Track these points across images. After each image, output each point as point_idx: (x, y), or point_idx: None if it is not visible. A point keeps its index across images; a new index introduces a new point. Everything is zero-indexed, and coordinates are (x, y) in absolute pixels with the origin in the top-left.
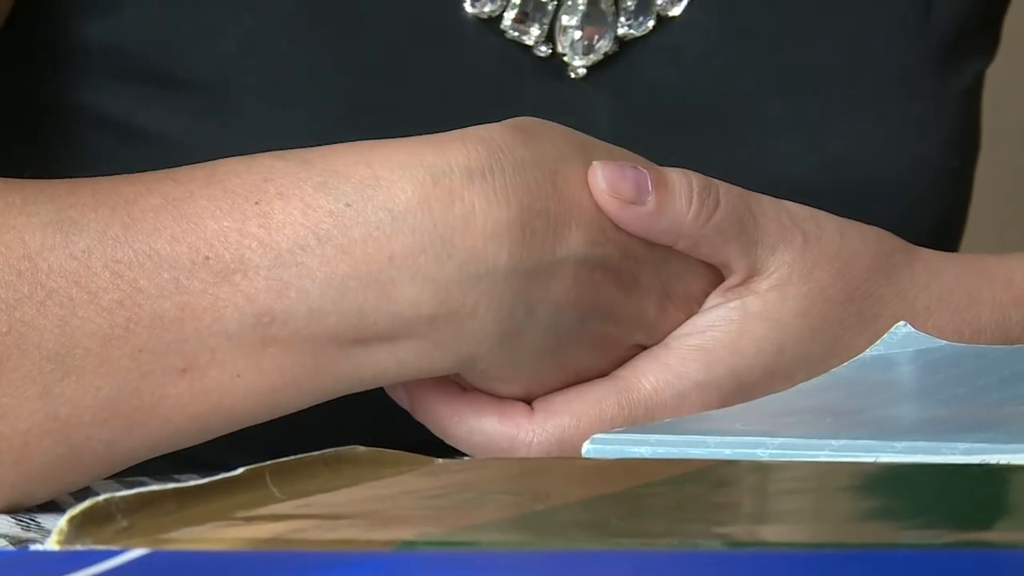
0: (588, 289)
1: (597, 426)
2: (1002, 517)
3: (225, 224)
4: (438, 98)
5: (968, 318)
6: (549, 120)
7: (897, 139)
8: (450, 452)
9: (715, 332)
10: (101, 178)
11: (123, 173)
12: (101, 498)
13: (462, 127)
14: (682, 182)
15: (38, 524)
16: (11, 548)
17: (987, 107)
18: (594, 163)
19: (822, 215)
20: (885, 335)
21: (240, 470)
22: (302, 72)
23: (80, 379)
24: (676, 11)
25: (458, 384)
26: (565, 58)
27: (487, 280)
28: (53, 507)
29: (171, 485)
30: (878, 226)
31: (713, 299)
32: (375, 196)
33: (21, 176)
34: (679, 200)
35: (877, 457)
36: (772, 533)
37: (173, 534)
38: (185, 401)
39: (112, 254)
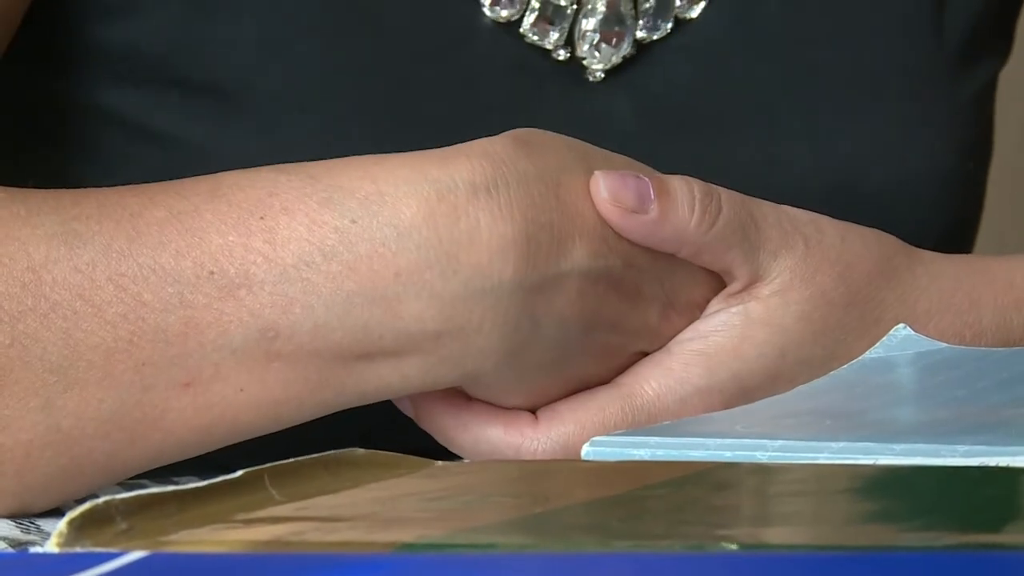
0: (592, 301)
1: (601, 433)
2: (1002, 519)
3: (230, 239)
4: (456, 102)
5: (969, 320)
6: (567, 125)
7: (911, 142)
8: (450, 457)
9: (717, 337)
10: (106, 189)
11: (137, 175)
12: (100, 500)
13: (478, 132)
14: (684, 190)
15: (38, 527)
16: (11, 550)
17: (999, 107)
18: (596, 173)
19: (823, 219)
20: (884, 338)
21: (239, 472)
22: (318, 76)
23: (83, 392)
24: (694, 13)
25: (463, 394)
26: (584, 62)
27: (492, 295)
28: (53, 509)
29: (170, 487)
30: (892, 230)
31: (715, 304)
32: (380, 212)
33: (25, 184)
34: (681, 208)
35: (877, 459)
36: (772, 535)
37: (173, 536)
38: (188, 415)
39: (116, 267)
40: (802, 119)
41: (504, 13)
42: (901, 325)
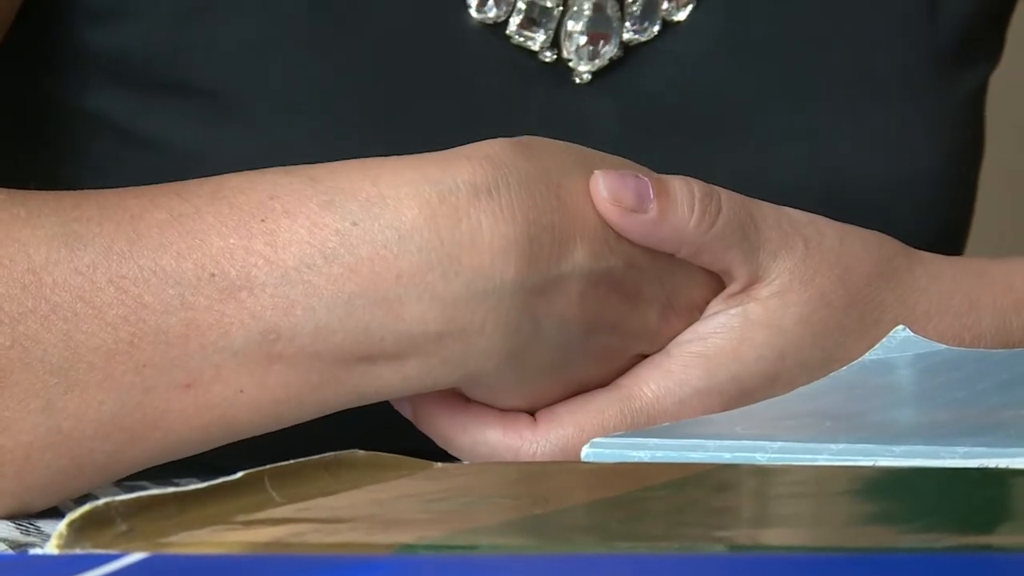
0: (593, 303)
1: (599, 434)
2: (1002, 521)
3: (231, 241)
4: (443, 103)
5: (968, 323)
6: (554, 126)
7: (904, 144)
8: (450, 459)
9: (716, 339)
10: (106, 191)
11: (129, 179)
12: (100, 502)
13: (467, 133)
14: (684, 190)
15: (37, 528)
16: (11, 552)
17: (987, 109)
18: (596, 172)
19: (822, 221)
20: (884, 339)
21: (239, 474)
22: (307, 78)
23: (83, 393)
24: (681, 16)
25: (461, 395)
26: (570, 64)
27: (494, 297)
28: (53, 511)
29: (171, 489)
30: (884, 232)
31: (714, 306)
32: (382, 215)
33: (27, 186)
34: (681, 208)
35: (876, 461)
36: (771, 537)
37: (173, 538)
38: (188, 415)
39: (117, 269)
40: (793, 123)
41: (491, 15)
42: (901, 327)
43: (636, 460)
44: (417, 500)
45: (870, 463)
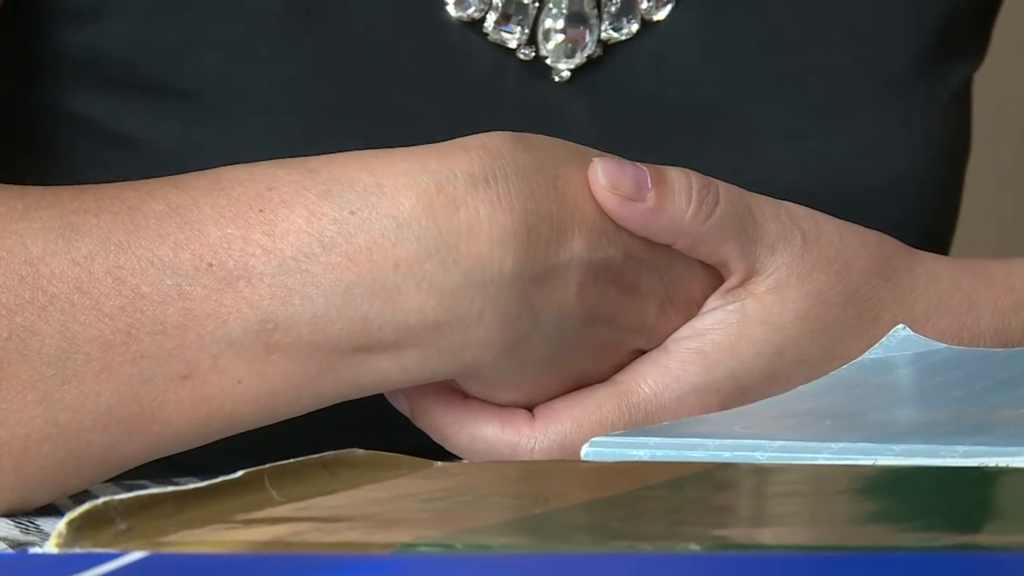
0: (591, 295)
1: (598, 431)
2: (1000, 520)
3: (229, 231)
4: (423, 102)
5: (967, 322)
6: (533, 124)
7: (887, 146)
8: (449, 457)
9: (714, 335)
10: (104, 184)
11: (111, 179)
12: (100, 501)
13: (446, 131)
14: (681, 180)
15: (37, 527)
16: (10, 551)
17: (984, 109)
18: (594, 160)
19: (821, 216)
20: (884, 338)
21: (239, 473)
22: (286, 78)
23: (80, 385)
24: (661, 15)
25: (459, 391)
26: (548, 61)
27: (493, 286)
28: (52, 510)
29: (170, 488)
30: None
31: (712, 302)
32: (379, 203)
33: (23, 183)
34: (678, 197)
35: (876, 460)
36: (771, 536)
37: (172, 537)
38: (185, 407)
39: (114, 260)
40: (774, 123)
41: (468, 12)
42: (901, 326)
43: (636, 459)
44: (416, 499)
45: (870, 462)
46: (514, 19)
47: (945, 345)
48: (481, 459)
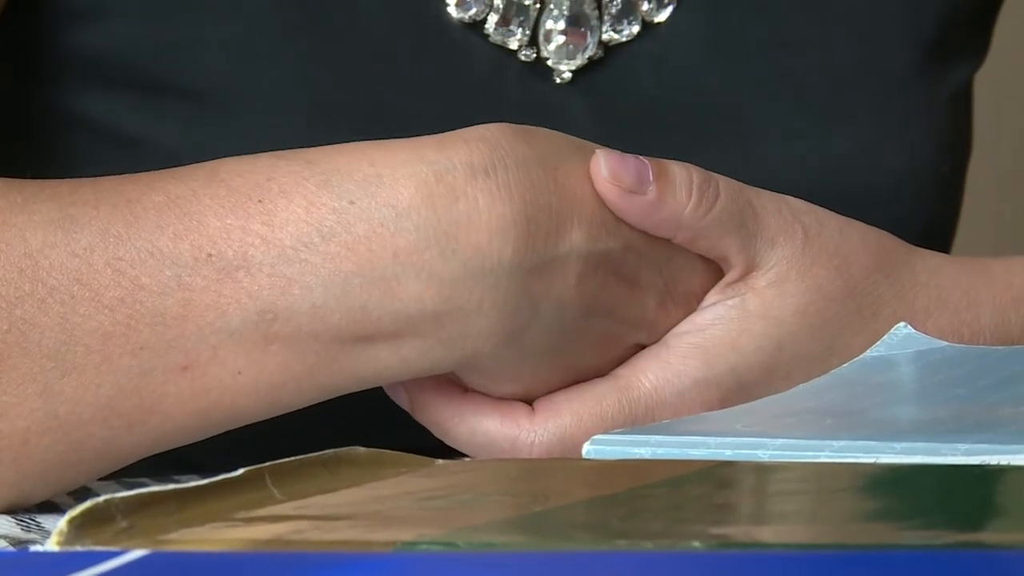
0: (591, 286)
1: (598, 425)
2: (1002, 518)
3: (228, 221)
4: (424, 102)
5: (967, 319)
6: (534, 124)
7: (888, 145)
8: (450, 455)
9: (714, 330)
10: (102, 178)
11: None
12: (101, 499)
13: (447, 131)
14: (682, 174)
15: (38, 525)
16: (11, 549)
17: (984, 108)
18: (597, 151)
19: (822, 211)
20: (885, 336)
21: (240, 471)
22: (289, 78)
23: (80, 377)
24: (662, 17)
25: (459, 385)
26: (549, 63)
27: (492, 276)
28: (53, 508)
29: (171, 486)
30: None
31: (712, 296)
32: (378, 193)
33: (23, 177)
34: (679, 191)
35: (877, 458)
36: (772, 534)
37: (173, 535)
38: (185, 399)
39: (114, 251)
40: (775, 123)
41: (469, 13)
42: (902, 324)
43: (637, 457)
44: (417, 497)
45: (871, 460)
46: (515, 21)
47: (946, 343)
48: (481, 452)
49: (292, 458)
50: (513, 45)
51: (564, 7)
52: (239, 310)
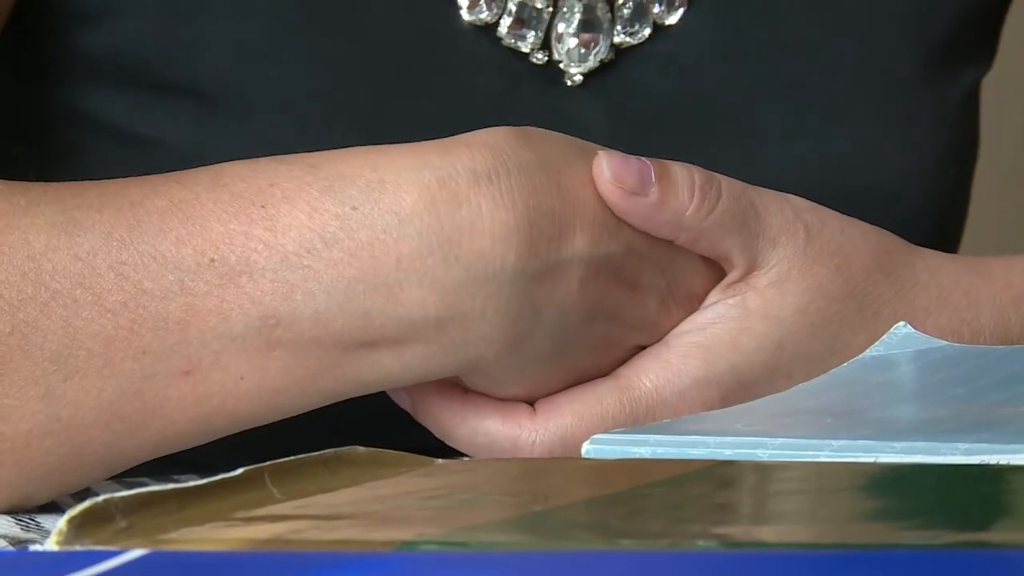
0: (593, 291)
1: (599, 425)
2: (1002, 517)
3: (231, 227)
4: (435, 105)
5: (967, 318)
6: (545, 127)
7: (894, 146)
8: (451, 456)
9: (715, 329)
10: (105, 181)
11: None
12: (100, 499)
13: (458, 134)
14: (684, 175)
15: (38, 524)
16: (11, 548)
17: (987, 109)
18: (599, 153)
19: (824, 210)
20: (885, 336)
21: (239, 471)
22: (300, 79)
23: (83, 381)
24: (673, 19)
25: (460, 386)
26: (561, 65)
27: (495, 282)
28: (53, 508)
29: (170, 486)
30: None
31: (713, 296)
32: (381, 199)
33: (26, 179)
34: (681, 192)
35: (877, 458)
36: (772, 534)
37: (172, 534)
38: (188, 403)
39: (117, 256)
40: (785, 125)
41: (482, 16)
42: (901, 323)
43: (637, 457)
44: (417, 497)
45: (871, 460)
46: (528, 24)
47: (946, 342)
48: (482, 453)
49: (292, 457)
50: (525, 48)
51: (577, 10)
52: (242, 315)
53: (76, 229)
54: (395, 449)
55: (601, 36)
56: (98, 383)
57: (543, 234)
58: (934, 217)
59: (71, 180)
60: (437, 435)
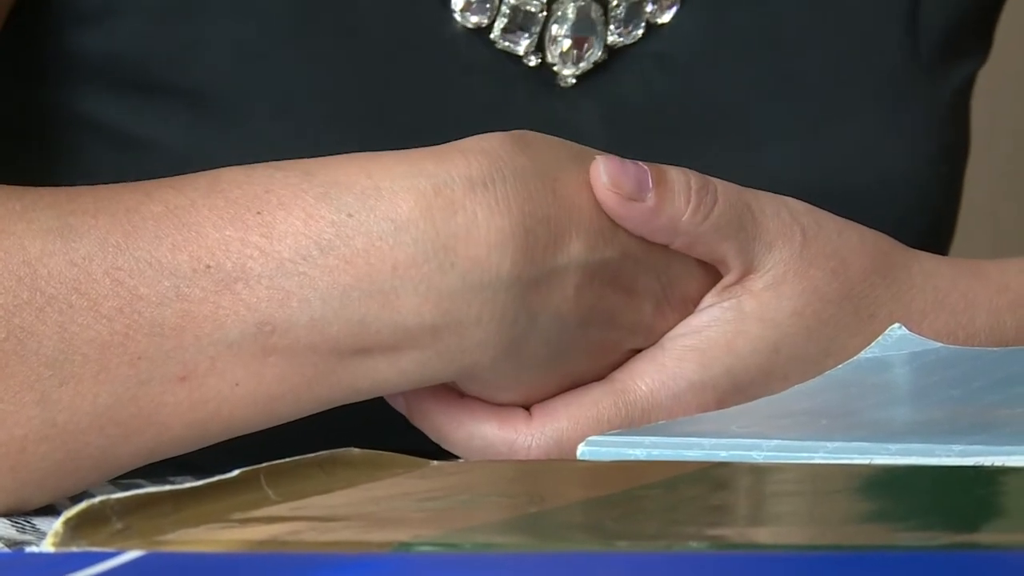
0: (588, 296)
1: (594, 428)
2: (996, 519)
3: (227, 233)
4: (429, 108)
5: (963, 321)
6: (539, 130)
7: (886, 146)
8: (448, 459)
9: (710, 332)
10: (101, 186)
11: (119, 181)
12: (96, 500)
13: (453, 137)
14: (681, 180)
15: (33, 526)
16: (6, 550)
17: (982, 108)
18: (597, 158)
19: (821, 213)
20: (880, 337)
21: (235, 472)
22: (295, 82)
23: (78, 386)
24: (665, 18)
25: (456, 391)
26: (555, 68)
27: (490, 289)
28: (48, 509)
29: (166, 487)
30: None
31: (709, 299)
32: (377, 206)
33: (27, 182)
34: (678, 197)
35: (872, 459)
36: (767, 535)
37: (169, 536)
38: (183, 409)
39: (113, 261)
40: (778, 124)
41: (474, 19)
42: (896, 325)
43: (632, 458)
44: (413, 498)
45: (866, 461)
46: (522, 27)
47: (941, 344)
48: (478, 457)
49: (287, 459)
50: (519, 51)
51: (570, 13)
52: (237, 322)
53: (72, 234)
54: (391, 450)
55: (595, 37)
56: (94, 388)
57: (539, 241)
58: (927, 215)
59: (67, 182)
60: (433, 439)
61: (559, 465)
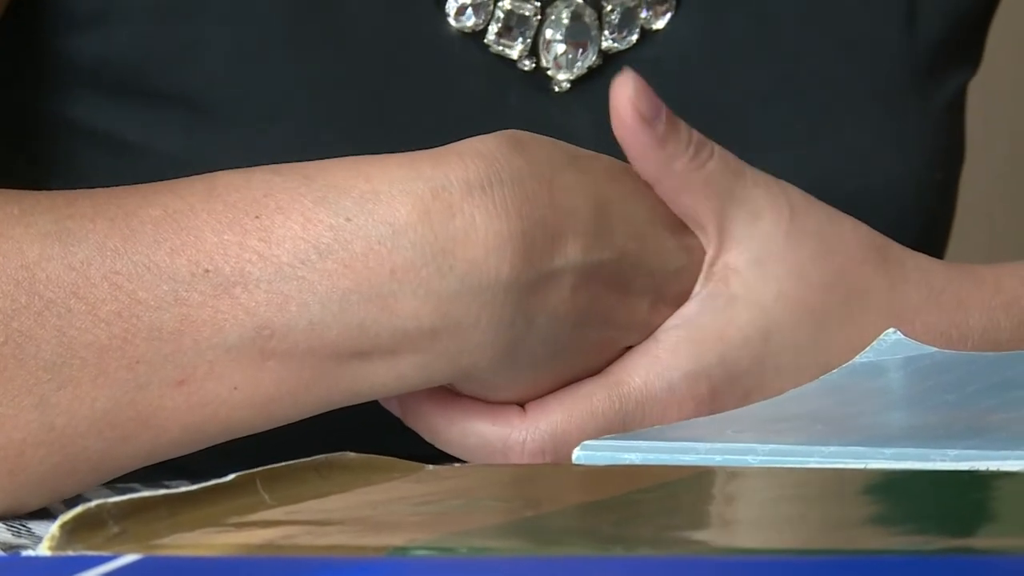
0: (585, 297)
1: (589, 422)
2: (991, 523)
3: (225, 237)
4: (423, 112)
5: (956, 320)
6: (533, 133)
7: (881, 152)
8: (444, 463)
9: (701, 320)
10: (99, 189)
11: (113, 185)
12: (93, 504)
13: (448, 140)
14: (685, 127)
15: (29, 530)
16: (2, 554)
17: (977, 110)
18: (625, 70)
19: (818, 201)
20: (875, 342)
21: (231, 476)
22: (289, 86)
23: (76, 390)
24: (660, 24)
25: (449, 389)
26: (549, 72)
27: (488, 292)
28: (44, 513)
29: (162, 491)
30: None
31: (697, 287)
32: (375, 210)
33: (20, 185)
34: (682, 138)
35: (867, 464)
36: (762, 540)
37: (165, 540)
38: (181, 412)
39: (111, 265)
40: (772, 130)
41: (469, 23)
42: (891, 330)
43: (627, 462)
44: (409, 503)
45: (861, 466)
46: (516, 31)
47: (936, 349)
48: (473, 454)
49: (283, 463)
50: (513, 55)
51: (565, 17)
52: (236, 326)
53: (70, 239)
54: (387, 455)
55: (589, 42)
56: (92, 392)
57: (536, 243)
58: (922, 221)
59: (61, 187)
60: (427, 438)
61: (555, 469)
